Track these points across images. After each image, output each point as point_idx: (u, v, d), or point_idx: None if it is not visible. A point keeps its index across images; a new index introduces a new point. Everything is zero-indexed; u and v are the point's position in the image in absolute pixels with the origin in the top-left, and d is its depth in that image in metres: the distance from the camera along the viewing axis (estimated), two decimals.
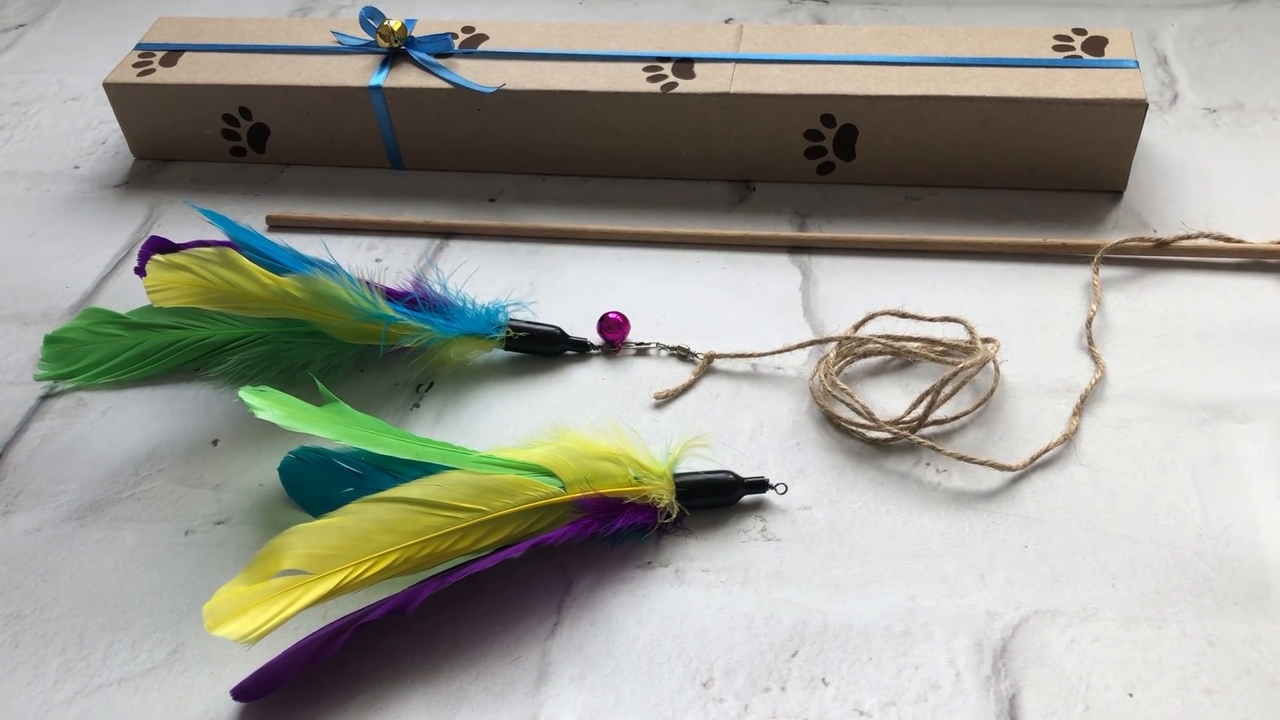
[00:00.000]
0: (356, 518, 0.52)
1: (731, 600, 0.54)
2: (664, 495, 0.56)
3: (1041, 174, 0.75)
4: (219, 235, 0.64)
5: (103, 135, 0.88)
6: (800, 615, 0.53)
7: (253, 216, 0.79)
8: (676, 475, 0.57)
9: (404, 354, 0.66)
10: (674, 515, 0.56)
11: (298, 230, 0.77)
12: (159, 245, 0.64)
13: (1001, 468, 0.59)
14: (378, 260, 0.75)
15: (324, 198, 0.81)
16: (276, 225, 0.78)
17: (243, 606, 0.49)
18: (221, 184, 0.83)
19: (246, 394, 0.54)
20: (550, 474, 0.55)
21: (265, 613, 0.49)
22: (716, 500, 0.57)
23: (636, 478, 0.55)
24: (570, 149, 0.79)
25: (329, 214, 0.78)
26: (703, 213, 0.77)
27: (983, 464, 0.59)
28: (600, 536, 0.55)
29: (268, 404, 0.54)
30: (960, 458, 0.59)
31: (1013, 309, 0.68)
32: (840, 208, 0.76)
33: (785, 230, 0.75)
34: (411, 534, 0.52)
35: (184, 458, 0.63)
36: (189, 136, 0.83)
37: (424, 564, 0.52)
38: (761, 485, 0.58)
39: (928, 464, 0.60)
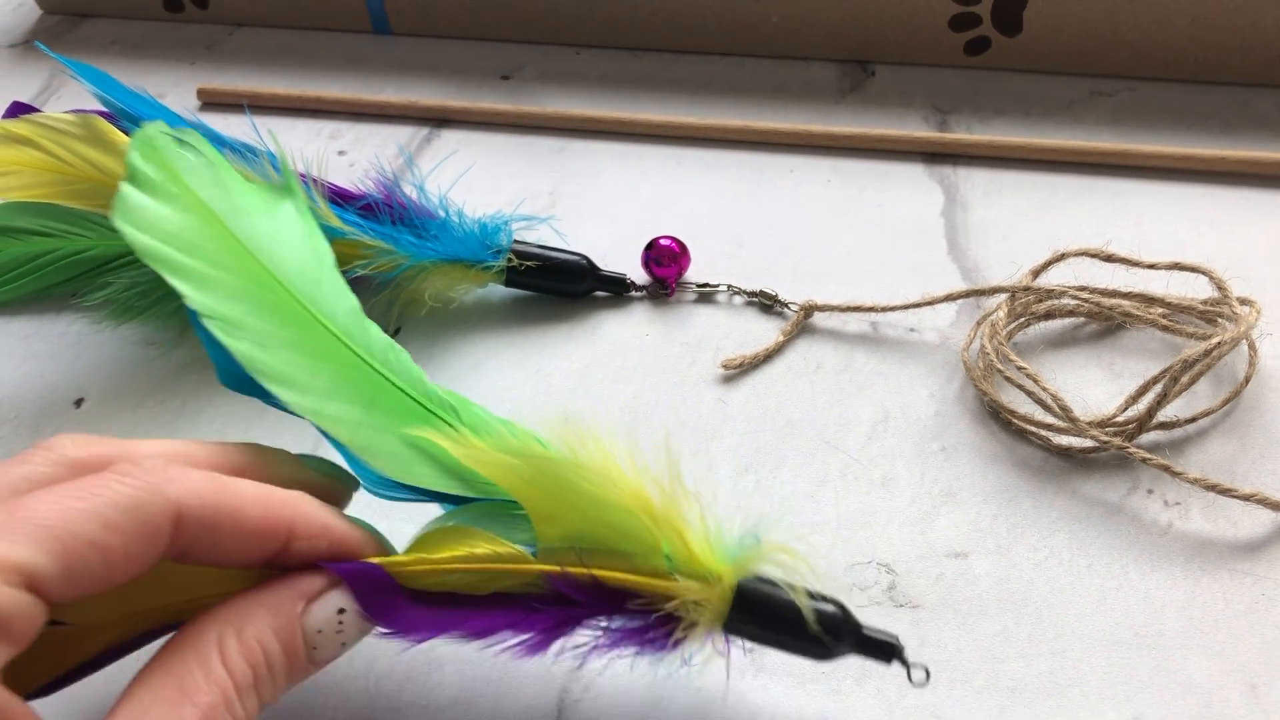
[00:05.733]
0: None
1: (840, 707, 0.34)
2: (705, 614, 0.30)
3: None
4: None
5: None
6: None
7: (184, 90, 0.59)
8: (744, 586, 0.31)
9: (360, 286, 0.45)
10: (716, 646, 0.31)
11: (239, 110, 0.57)
12: (21, 114, 0.44)
13: (1274, 505, 0.37)
14: (341, 153, 0.54)
15: (280, 69, 0.60)
16: (211, 103, 0.58)
17: None
18: (150, 47, 0.63)
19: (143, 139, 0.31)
20: (510, 502, 0.31)
21: None
22: (796, 645, 0.31)
23: (670, 564, 0.30)
24: (617, 10, 0.59)
25: (282, 89, 0.57)
26: (801, 103, 0.56)
27: (1244, 498, 0.37)
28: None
29: (162, 173, 0.31)
30: (1207, 485, 0.37)
31: (1261, 257, 0.46)
32: (998, 102, 0.54)
33: (919, 130, 0.53)
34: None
35: (31, 423, 0.44)
36: None
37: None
38: (886, 651, 0.31)
39: (1150, 491, 0.38)
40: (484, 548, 0.30)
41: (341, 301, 0.33)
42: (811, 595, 0.31)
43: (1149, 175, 0.50)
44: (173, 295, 0.46)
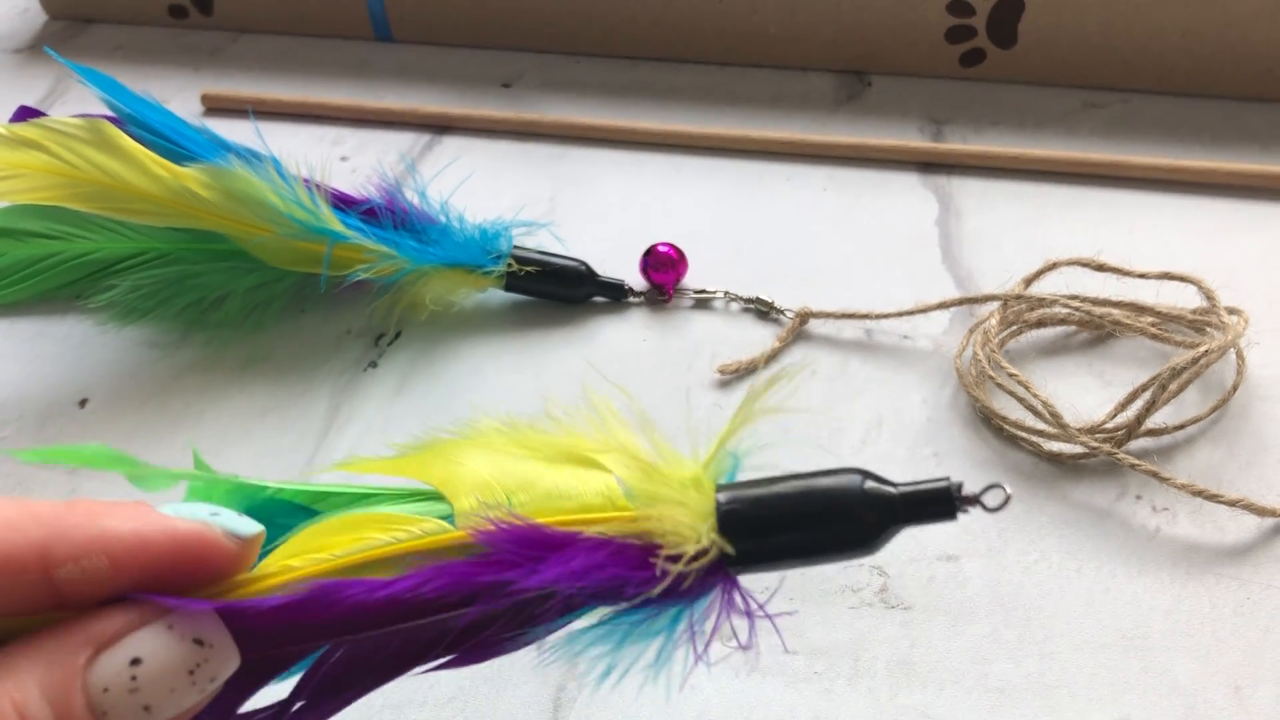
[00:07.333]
0: None
1: (832, 706, 0.34)
2: (690, 530, 0.23)
3: None
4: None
5: None
6: None
7: (188, 96, 0.59)
8: (724, 489, 0.24)
9: (361, 290, 0.46)
10: (723, 575, 0.24)
11: (243, 115, 0.57)
12: (28, 118, 0.45)
13: (1260, 510, 0.38)
14: (343, 159, 0.55)
15: (284, 75, 0.61)
16: (215, 108, 0.58)
17: None
18: (154, 53, 0.63)
19: None
20: (437, 497, 0.26)
21: None
22: (822, 543, 0.24)
23: (631, 499, 0.25)
24: (616, 19, 0.59)
25: (285, 95, 0.58)
26: (798, 112, 0.56)
27: (1230, 504, 0.38)
28: (538, 628, 0.24)
29: None
30: (1195, 491, 0.38)
31: (1250, 267, 0.47)
32: (992, 113, 0.55)
33: (914, 140, 0.53)
34: None
35: (36, 424, 0.44)
36: None
37: None
38: (941, 502, 0.23)
39: (1139, 497, 0.39)
40: (379, 531, 0.23)
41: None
42: (819, 473, 0.24)
43: (1141, 186, 0.51)
44: (178, 297, 0.47)
